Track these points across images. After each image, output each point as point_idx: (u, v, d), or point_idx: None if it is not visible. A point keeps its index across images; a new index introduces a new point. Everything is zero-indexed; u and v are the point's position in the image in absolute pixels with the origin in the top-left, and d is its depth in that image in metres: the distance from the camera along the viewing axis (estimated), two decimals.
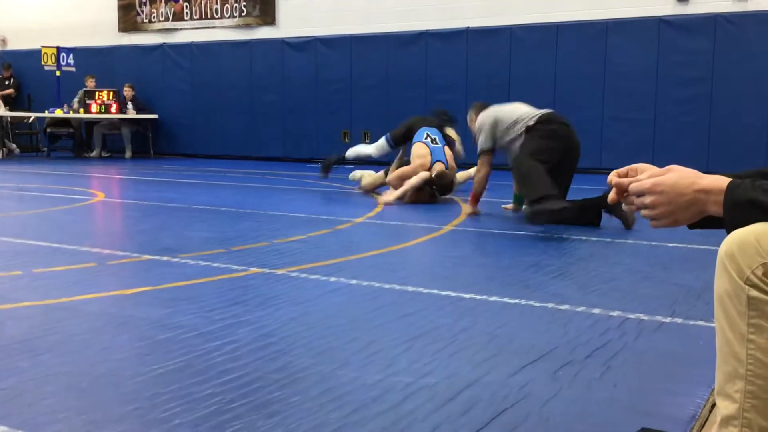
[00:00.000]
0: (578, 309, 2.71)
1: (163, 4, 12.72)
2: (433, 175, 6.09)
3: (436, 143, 6.34)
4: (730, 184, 1.16)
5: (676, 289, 3.05)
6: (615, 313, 2.65)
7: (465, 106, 10.00)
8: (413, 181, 6.10)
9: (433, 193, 6.14)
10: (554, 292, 2.99)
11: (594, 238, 4.41)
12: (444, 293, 2.93)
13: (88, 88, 12.05)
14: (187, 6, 12.50)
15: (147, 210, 5.65)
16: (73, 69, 12.31)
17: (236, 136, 12.12)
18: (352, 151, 7.50)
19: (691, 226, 1.26)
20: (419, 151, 6.33)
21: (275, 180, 8.39)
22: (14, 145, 12.82)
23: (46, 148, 12.91)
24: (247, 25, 12.00)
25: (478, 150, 5.32)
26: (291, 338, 2.31)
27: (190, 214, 5.34)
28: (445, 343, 2.28)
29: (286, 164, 11.03)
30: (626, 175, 1.29)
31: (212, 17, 12.29)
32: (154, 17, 12.85)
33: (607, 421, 1.71)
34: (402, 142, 6.81)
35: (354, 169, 7.55)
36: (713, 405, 1.64)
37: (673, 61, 9.00)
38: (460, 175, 6.74)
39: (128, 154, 12.49)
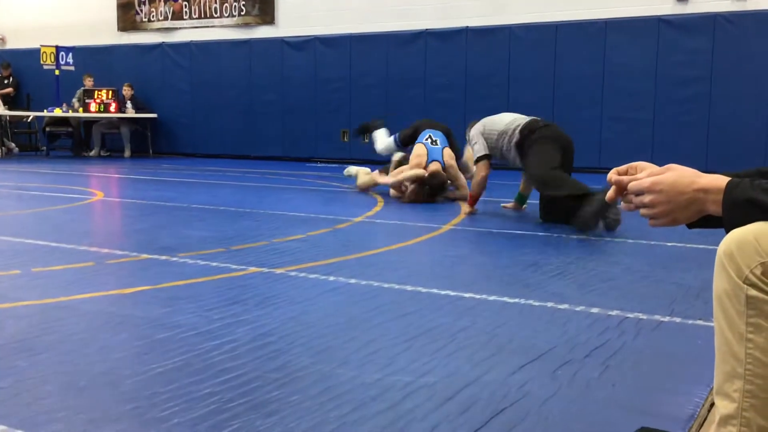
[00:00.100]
0: (577, 308, 2.71)
1: (162, 3, 12.71)
2: (426, 174, 6.12)
3: (436, 144, 6.37)
4: (729, 184, 1.16)
5: (675, 289, 3.05)
6: (614, 313, 2.65)
7: (464, 106, 10.08)
8: (408, 173, 6.19)
9: (431, 192, 6.15)
10: (553, 291, 2.99)
11: (593, 238, 4.41)
12: (443, 292, 2.93)
13: (86, 87, 12.04)
14: (186, 5, 12.50)
15: (146, 209, 5.65)
16: (72, 68, 12.30)
17: (235, 135, 12.11)
18: (377, 133, 7.60)
19: (690, 226, 1.26)
20: (417, 151, 6.41)
21: (274, 179, 8.39)
22: (13, 144, 12.81)
23: (45, 147, 12.90)
24: (247, 25, 11.99)
25: (474, 159, 5.44)
26: (290, 337, 2.31)
27: (189, 213, 5.34)
28: (444, 342, 2.28)
29: (285, 163, 11.03)
30: (626, 173, 1.29)
31: (211, 16, 12.28)
32: (153, 16, 12.84)
33: (605, 421, 1.71)
34: (409, 143, 6.88)
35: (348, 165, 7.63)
36: (712, 404, 1.64)
37: (673, 61, 9.00)
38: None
39: (127, 153, 12.48)
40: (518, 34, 9.85)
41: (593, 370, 2.04)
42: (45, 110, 11.99)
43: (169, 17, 12.67)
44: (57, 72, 12.17)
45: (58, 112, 11.83)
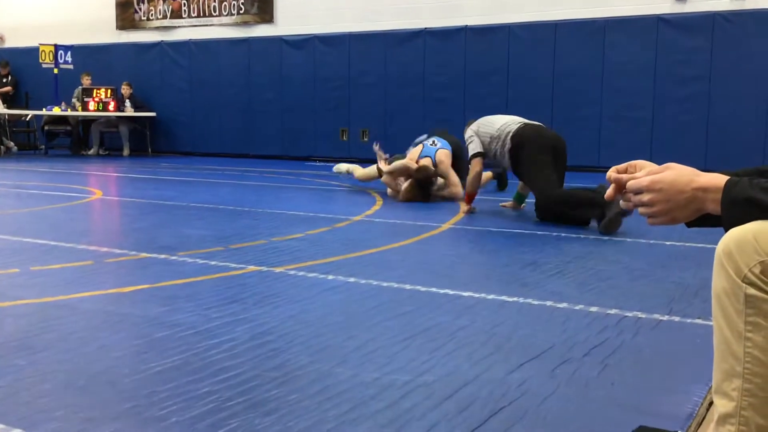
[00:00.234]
0: (576, 307, 2.71)
1: (161, 2, 12.70)
2: (414, 167, 6.18)
3: (435, 145, 6.40)
4: (727, 182, 1.16)
5: (674, 287, 3.05)
6: (612, 311, 2.65)
7: (463, 105, 10.08)
8: (397, 163, 6.31)
9: (427, 192, 6.13)
10: (552, 290, 2.99)
11: (591, 237, 4.41)
12: (442, 291, 2.93)
13: (84, 86, 12.03)
14: (185, 4, 12.48)
15: (144, 208, 5.64)
16: (70, 66, 12.29)
17: (234, 133, 12.10)
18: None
19: (689, 224, 1.26)
20: (415, 150, 6.51)
21: (273, 178, 8.38)
22: (12, 143, 12.80)
23: (43, 146, 12.89)
24: (245, 23, 11.98)
25: (469, 156, 5.48)
26: (289, 336, 2.31)
27: (188, 212, 5.34)
28: (443, 341, 2.28)
29: (285, 162, 11.02)
30: (625, 172, 1.29)
31: (210, 15, 12.27)
32: (152, 15, 12.83)
33: (604, 419, 1.71)
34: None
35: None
36: (711, 403, 1.65)
37: (672, 60, 9.00)
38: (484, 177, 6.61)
39: (126, 151, 12.47)
40: (517, 33, 9.85)
41: (592, 368, 2.04)
42: (44, 109, 11.98)
43: (168, 16, 12.66)
44: (56, 71, 12.16)
45: (56, 111, 11.82)
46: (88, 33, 13.17)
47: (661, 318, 2.57)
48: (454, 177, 6.26)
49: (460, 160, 6.38)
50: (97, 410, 1.71)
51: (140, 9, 12.90)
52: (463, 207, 5.49)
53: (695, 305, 2.76)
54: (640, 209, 1.24)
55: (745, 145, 8.62)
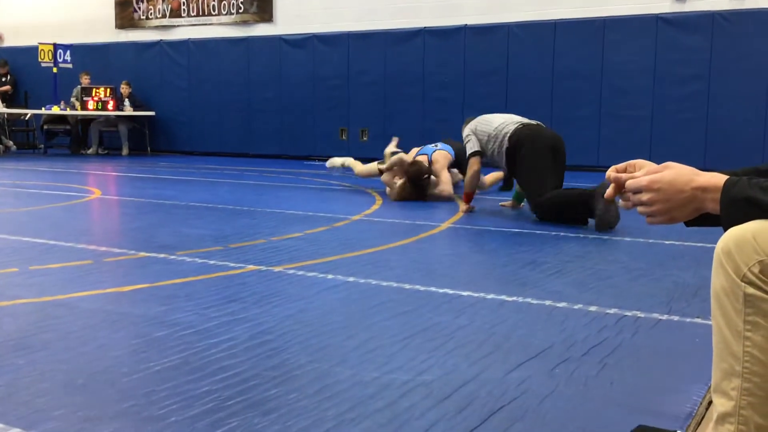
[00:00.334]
0: (575, 306, 2.71)
1: (160, 1, 12.69)
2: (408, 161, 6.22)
3: (435, 146, 6.44)
4: (726, 182, 1.16)
5: (673, 287, 3.05)
6: (612, 311, 2.65)
7: (462, 104, 10.08)
8: (392, 158, 6.32)
9: (421, 191, 6.11)
10: (551, 289, 2.99)
11: (590, 236, 4.41)
12: (441, 291, 2.93)
13: (83, 85, 12.03)
14: (184, 3, 12.48)
15: (144, 207, 5.64)
16: (70, 66, 12.28)
17: (233, 133, 12.10)
18: None
19: (688, 224, 1.26)
20: (414, 150, 6.60)
21: (272, 177, 8.38)
22: (11, 142, 12.79)
23: (42, 145, 12.88)
24: (245, 22, 11.98)
25: (467, 155, 5.47)
26: (288, 336, 2.30)
27: (187, 211, 5.33)
28: (442, 340, 2.28)
29: (284, 161, 11.02)
30: (625, 171, 1.29)
31: (209, 14, 12.26)
32: (151, 14, 12.82)
33: (603, 419, 1.71)
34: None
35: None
36: (710, 402, 1.65)
37: (671, 59, 9.01)
38: (489, 178, 6.60)
39: (125, 151, 12.46)
40: (516, 32, 9.85)
41: (591, 368, 2.04)
42: (43, 108, 11.97)
43: (167, 15, 12.65)
44: (55, 70, 12.15)
45: (55, 110, 11.81)
46: (87, 32, 13.16)
47: (660, 317, 2.57)
48: (445, 176, 6.23)
49: (463, 166, 6.39)
50: (95, 409, 1.71)
51: (139, 8, 12.89)
52: (462, 206, 5.49)
53: (694, 304, 2.76)
54: (639, 208, 1.24)
55: (745, 144, 8.62)
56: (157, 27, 12.79)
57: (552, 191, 4.96)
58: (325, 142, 11.30)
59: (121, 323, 2.43)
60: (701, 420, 1.72)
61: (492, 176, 6.62)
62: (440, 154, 6.36)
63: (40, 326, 2.37)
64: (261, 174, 8.79)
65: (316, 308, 2.64)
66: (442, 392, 1.84)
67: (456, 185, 6.51)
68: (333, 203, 6.02)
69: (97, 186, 7.28)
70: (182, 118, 12.55)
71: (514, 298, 2.82)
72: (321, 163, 10.67)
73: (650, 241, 4.21)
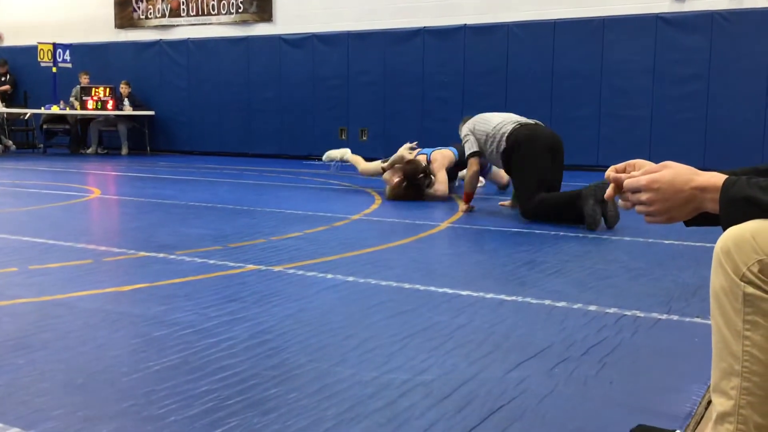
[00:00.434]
0: (574, 306, 2.71)
1: (159, 0, 12.68)
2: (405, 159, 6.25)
3: (438, 148, 6.45)
4: (726, 182, 1.16)
5: (672, 286, 3.05)
6: (611, 310, 2.65)
7: (462, 104, 10.08)
8: (393, 156, 6.40)
9: (418, 190, 6.10)
10: (550, 289, 2.99)
11: (590, 236, 4.41)
12: (440, 290, 2.93)
13: (82, 85, 12.02)
14: (183, 2, 12.47)
15: (143, 207, 5.64)
16: (69, 65, 12.27)
17: (233, 132, 12.10)
18: None
19: (687, 223, 1.26)
20: (414, 150, 6.57)
21: (272, 177, 8.38)
22: (10, 142, 12.77)
23: (42, 145, 12.87)
24: (244, 22, 11.97)
25: (466, 155, 5.45)
26: (287, 335, 2.30)
27: (187, 211, 5.33)
28: (441, 340, 2.28)
29: (283, 161, 11.02)
30: (624, 171, 1.29)
31: (209, 14, 12.26)
32: (150, 13, 12.81)
33: (603, 418, 1.71)
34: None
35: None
36: (709, 402, 1.65)
37: (670, 59, 9.01)
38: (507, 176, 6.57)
39: (124, 150, 12.46)
40: (516, 31, 9.85)
41: (591, 367, 2.04)
42: (42, 107, 11.96)
43: (167, 14, 12.65)
44: (54, 69, 12.14)
45: (55, 110, 11.80)
46: (87, 31, 13.16)
47: (659, 317, 2.57)
48: (441, 176, 6.19)
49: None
50: (95, 409, 1.71)
51: (139, 8, 12.88)
52: (462, 206, 5.49)
53: (694, 304, 2.76)
54: (638, 208, 1.24)
55: (744, 143, 8.62)
56: (156, 27, 12.78)
57: (540, 195, 4.93)
58: (325, 141, 11.27)
59: (120, 323, 2.43)
60: (700, 419, 1.72)
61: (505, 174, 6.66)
62: (439, 153, 6.35)
63: (39, 326, 2.37)
64: (261, 174, 8.79)
65: (315, 308, 2.64)
66: (441, 392, 1.84)
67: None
68: (332, 203, 6.02)
69: (97, 185, 7.28)
70: (182, 117, 12.55)
71: (514, 298, 2.82)
72: (321, 162, 10.69)
73: (650, 240, 4.21)
